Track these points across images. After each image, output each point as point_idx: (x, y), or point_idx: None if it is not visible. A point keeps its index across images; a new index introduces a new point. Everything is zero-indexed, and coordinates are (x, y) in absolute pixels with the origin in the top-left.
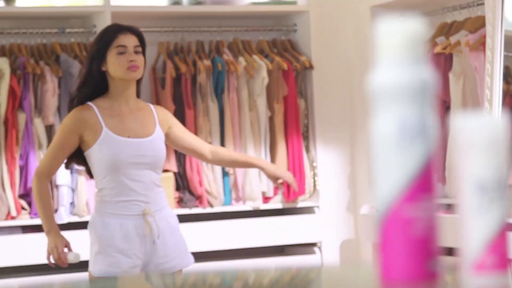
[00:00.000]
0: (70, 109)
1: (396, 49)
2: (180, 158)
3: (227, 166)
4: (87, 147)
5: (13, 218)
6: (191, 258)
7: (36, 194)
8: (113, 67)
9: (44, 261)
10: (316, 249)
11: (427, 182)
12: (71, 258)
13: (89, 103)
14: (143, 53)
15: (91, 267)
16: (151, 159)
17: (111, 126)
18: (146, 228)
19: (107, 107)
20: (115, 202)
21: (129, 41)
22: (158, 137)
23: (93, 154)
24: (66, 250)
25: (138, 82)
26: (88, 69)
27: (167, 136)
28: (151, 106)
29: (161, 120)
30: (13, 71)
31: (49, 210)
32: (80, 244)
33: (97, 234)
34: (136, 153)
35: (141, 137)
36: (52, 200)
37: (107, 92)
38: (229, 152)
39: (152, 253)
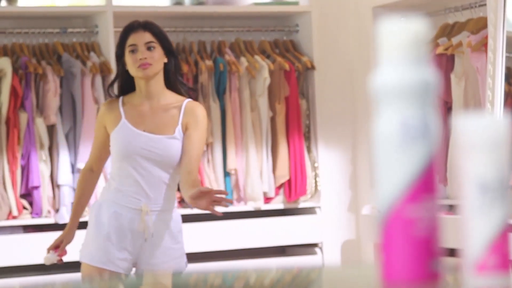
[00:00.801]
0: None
1: (398, 50)
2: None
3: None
4: (109, 136)
5: (14, 217)
6: (184, 265)
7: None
8: (128, 67)
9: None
10: (317, 249)
11: (429, 182)
12: (45, 259)
13: (120, 97)
14: (164, 45)
15: (80, 248)
16: (161, 158)
17: (129, 118)
18: (140, 224)
19: (131, 102)
20: (118, 191)
21: (140, 38)
22: (175, 138)
23: (111, 142)
24: (66, 245)
25: (168, 74)
26: (116, 69)
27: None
28: (184, 104)
29: (183, 122)
30: (15, 70)
31: (75, 203)
32: (80, 244)
33: (92, 217)
34: (147, 148)
35: (157, 134)
36: (85, 193)
37: (133, 87)
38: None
39: (143, 251)
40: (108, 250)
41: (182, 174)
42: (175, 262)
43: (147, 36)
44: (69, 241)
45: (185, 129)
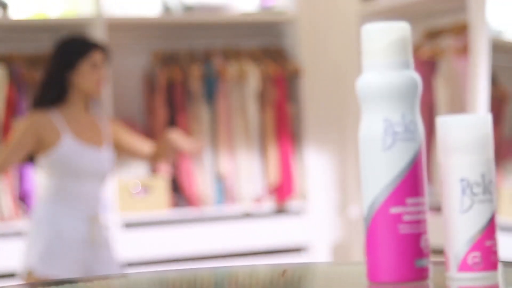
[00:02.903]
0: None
1: (382, 53)
2: (173, 160)
3: (159, 157)
4: (46, 149)
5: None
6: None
7: None
8: (83, 80)
9: None
10: (306, 252)
11: (414, 182)
12: None
13: (50, 108)
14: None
15: (34, 265)
16: (103, 169)
17: (74, 132)
18: (93, 234)
19: (68, 114)
20: (66, 205)
21: (102, 57)
22: (108, 149)
23: (52, 156)
24: None
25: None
26: (52, 73)
27: (116, 143)
28: (98, 118)
29: (109, 132)
30: (9, 79)
31: None
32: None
33: (46, 232)
34: (93, 161)
35: (97, 145)
36: None
37: (66, 98)
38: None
39: (95, 260)
40: (68, 264)
41: (146, 152)
42: (119, 266)
43: (104, 57)
44: None
45: (116, 137)
